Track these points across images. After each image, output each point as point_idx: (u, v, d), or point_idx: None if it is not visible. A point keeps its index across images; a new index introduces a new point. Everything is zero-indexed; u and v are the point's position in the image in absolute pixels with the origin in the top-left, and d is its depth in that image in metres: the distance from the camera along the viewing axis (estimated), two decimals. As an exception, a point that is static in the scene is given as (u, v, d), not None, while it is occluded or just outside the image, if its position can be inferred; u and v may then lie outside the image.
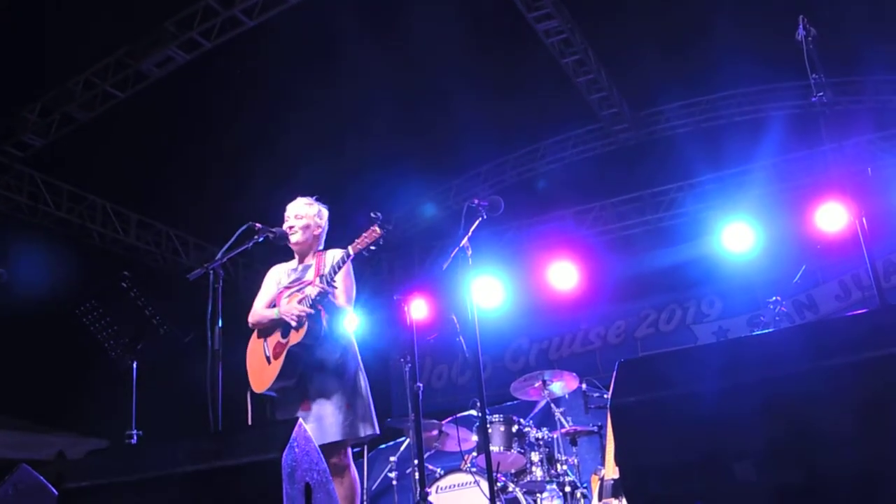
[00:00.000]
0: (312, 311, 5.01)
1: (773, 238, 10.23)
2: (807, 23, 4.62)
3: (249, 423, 5.20)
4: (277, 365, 5.04)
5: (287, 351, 5.02)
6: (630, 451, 3.14)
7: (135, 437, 5.65)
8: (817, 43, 4.59)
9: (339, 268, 5.03)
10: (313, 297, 5.01)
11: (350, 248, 5.00)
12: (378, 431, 5.12)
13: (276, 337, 5.14)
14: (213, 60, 8.88)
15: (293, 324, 5.03)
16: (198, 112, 9.36)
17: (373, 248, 4.96)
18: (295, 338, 5.02)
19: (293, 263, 5.48)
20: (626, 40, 9.58)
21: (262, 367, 5.16)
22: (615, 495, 6.41)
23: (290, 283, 5.35)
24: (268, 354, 5.15)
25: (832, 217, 9.40)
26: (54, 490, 4.23)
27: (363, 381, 5.17)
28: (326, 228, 5.46)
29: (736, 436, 2.96)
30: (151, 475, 3.59)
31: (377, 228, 4.94)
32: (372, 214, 4.95)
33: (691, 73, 10.12)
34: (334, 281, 5.03)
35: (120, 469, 3.70)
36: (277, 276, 5.49)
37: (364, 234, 4.97)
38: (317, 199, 5.47)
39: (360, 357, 5.26)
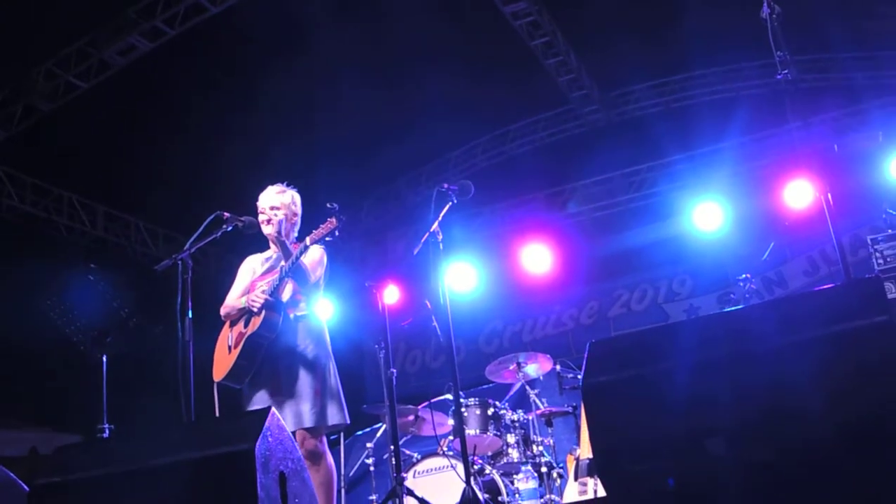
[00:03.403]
0: (271, 299, 4.99)
1: (742, 216, 10.30)
2: (771, 0, 4.64)
3: (216, 413, 5.17)
4: (235, 353, 5.03)
5: (245, 340, 5.01)
6: (602, 430, 3.15)
7: (106, 431, 5.61)
8: (782, 21, 4.61)
9: (298, 259, 5.02)
10: (273, 284, 5.02)
11: (307, 238, 5.01)
12: (348, 421, 5.12)
13: (240, 326, 5.13)
14: (177, 48, 8.77)
15: (254, 310, 5.02)
16: (163, 101, 9.25)
17: (328, 238, 4.97)
18: (253, 327, 5.01)
19: (268, 253, 5.46)
20: (594, 22, 9.58)
21: (223, 356, 5.15)
22: (590, 474, 6.47)
23: (265, 272, 5.33)
24: (230, 344, 5.14)
25: (799, 194, 9.48)
26: (24, 486, 4.18)
27: (333, 370, 5.16)
28: (301, 214, 5.43)
29: (707, 412, 2.98)
30: (123, 469, 3.55)
31: (333, 219, 4.94)
32: (328, 205, 4.96)
33: (660, 53, 10.14)
34: (294, 271, 5.03)
35: (91, 463, 3.66)
36: (252, 266, 5.47)
37: (321, 226, 4.98)
38: (288, 185, 5.43)
39: (330, 345, 5.25)
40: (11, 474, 4.37)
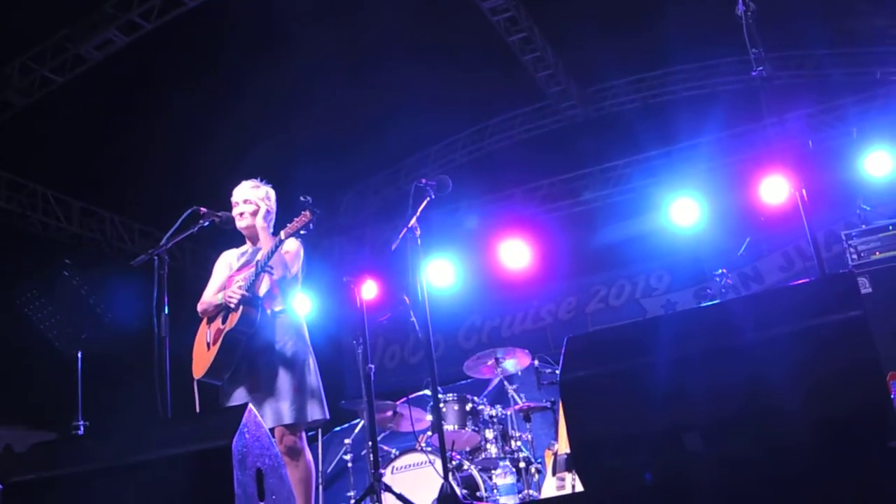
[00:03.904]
0: (247, 294, 4.98)
1: (719, 212, 10.37)
2: (746, -3, 4.66)
3: (197, 410, 5.15)
4: (214, 350, 5.01)
5: (223, 336, 4.99)
6: (580, 424, 3.16)
7: (82, 428, 5.58)
8: (757, 17, 4.63)
9: (273, 253, 5.01)
10: (249, 279, 5.00)
11: (282, 232, 5.01)
12: (328, 416, 5.11)
13: (217, 323, 5.11)
14: (153, 42, 8.71)
15: (231, 305, 5.00)
16: (140, 96, 9.18)
17: (303, 231, 4.96)
18: (231, 323, 4.99)
19: (244, 248, 5.44)
20: (572, 18, 9.58)
21: (202, 353, 5.13)
22: (569, 469, 6.49)
23: (241, 267, 5.31)
24: (209, 340, 5.12)
25: (775, 190, 9.55)
26: None
27: (313, 365, 5.15)
28: (275, 209, 5.42)
29: (684, 408, 3.00)
30: (99, 466, 3.54)
31: (307, 212, 4.94)
32: (301, 198, 4.96)
33: (637, 49, 10.17)
34: (270, 266, 5.02)
35: (66, 461, 3.64)
36: (228, 261, 5.45)
37: (295, 219, 4.97)
38: (263, 181, 5.42)
39: (309, 340, 5.23)
40: (-15, 472, 4.32)
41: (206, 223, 5.15)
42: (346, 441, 7.86)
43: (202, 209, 5.13)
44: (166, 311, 4.72)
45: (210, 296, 5.27)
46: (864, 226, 7.02)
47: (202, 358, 5.12)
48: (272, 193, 5.43)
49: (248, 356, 5.03)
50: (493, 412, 7.23)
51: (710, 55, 10.65)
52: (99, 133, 9.36)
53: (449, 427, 6.95)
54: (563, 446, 6.65)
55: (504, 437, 7.17)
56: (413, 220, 5.28)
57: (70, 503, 3.51)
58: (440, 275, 10.94)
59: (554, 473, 6.62)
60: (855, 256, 6.81)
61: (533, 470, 6.97)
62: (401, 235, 5.28)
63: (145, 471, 3.44)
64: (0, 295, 7.04)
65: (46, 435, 9.43)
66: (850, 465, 2.76)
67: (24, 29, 8.45)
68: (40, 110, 9.13)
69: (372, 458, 5.46)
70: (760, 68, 4.57)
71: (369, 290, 10.16)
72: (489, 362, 7.49)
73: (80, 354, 5.59)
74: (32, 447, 3.94)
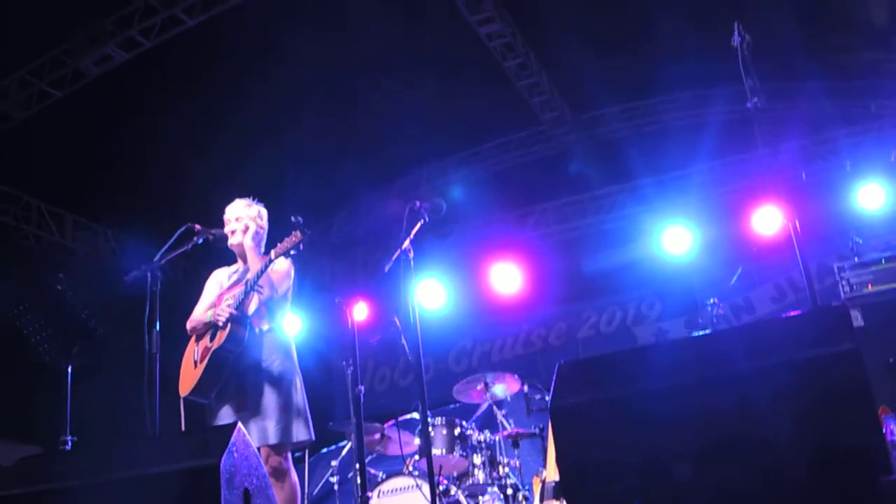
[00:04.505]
0: (236, 312, 4.97)
1: (711, 241, 10.39)
2: (742, 29, 4.71)
3: (182, 428, 5.13)
4: (201, 368, 5.00)
5: (211, 354, 4.98)
6: (569, 452, 3.16)
7: (69, 444, 5.54)
8: (752, 49, 4.67)
9: (262, 272, 5.01)
10: (238, 297, 5.00)
11: (272, 252, 5.01)
12: (314, 437, 5.09)
13: (206, 341, 5.10)
14: (152, 59, 8.74)
15: (220, 323, 4.99)
16: (136, 111, 9.19)
17: (293, 252, 4.97)
18: (219, 340, 4.98)
19: (235, 266, 5.44)
20: (567, 45, 9.64)
21: (189, 371, 5.11)
22: (556, 497, 6.45)
23: (232, 285, 5.31)
24: (196, 358, 5.11)
25: (768, 220, 9.57)
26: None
27: (300, 385, 5.14)
28: (267, 229, 5.43)
29: (674, 436, 3.00)
30: (86, 482, 3.51)
31: (298, 233, 4.95)
32: (293, 218, 4.97)
33: (631, 77, 10.23)
34: (259, 285, 5.02)
35: (53, 476, 3.61)
36: (219, 280, 5.45)
37: (286, 239, 4.98)
38: (255, 200, 5.43)
39: (297, 360, 5.22)
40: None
41: (200, 240, 5.15)
42: (333, 463, 7.82)
43: (196, 226, 5.14)
44: (158, 328, 4.71)
45: (199, 313, 5.26)
46: (856, 258, 7.05)
47: (189, 376, 5.10)
48: (264, 212, 5.44)
49: (236, 375, 5.02)
50: (482, 437, 7.20)
51: (703, 84, 10.71)
52: (95, 148, 9.36)
53: (437, 451, 6.91)
54: (551, 474, 6.62)
55: (492, 463, 7.14)
56: (406, 243, 5.29)
57: (56, 519, 3.49)
58: (431, 297, 10.93)
59: (542, 501, 6.59)
60: (847, 289, 6.83)
61: (521, 497, 6.94)
62: (394, 257, 5.29)
63: (133, 487, 3.42)
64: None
65: (33, 449, 9.36)
66: (840, 497, 2.76)
67: (23, 43, 8.47)
68: (38, 124, 9.14)
69: (359, 481, 5.43)
70: (755, 99, 4.61)
71: (360, 311, 10.15)
72: (478, 387, 7.47)
73: (70, 368, 5.57)
74: (19, 462, 3.91)
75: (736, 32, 4.70)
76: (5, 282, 8.50)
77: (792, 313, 3.46)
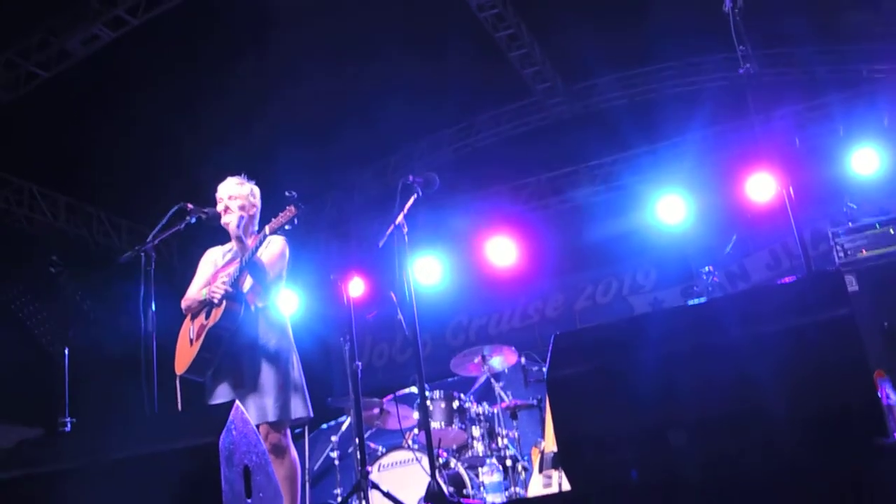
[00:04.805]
0: (231, 290, 4.96)
1: (705, 209, 10.39)
2: (733, -6, 4.67)
3: (179, 407, 5.13)
4: (197, 346, 5.00)
5: (206, 332, 4.98)
6: (566, 422, 3.16)
7: (68, 425, 5.56)
8: (744, 14, 4.64)
9: (258, 248, 5.00)
10: (233, 275, 4.99)
11: (266, 227, 4.99)
12: (311, 413, 5.10)
13: (201, 319, 5.09)
14: (139, 37, 8.67)
15: (215, 301, 4.99)
16: (126, 90, 9.14)
17: (288, 227, 4.96)
18: (214, 318, 4.98)
19: (229, 245, 5.42)
20: (558, 14, 9.59)
21: (185, 349, 5.11)
22: (555, 467, 6.50)
23: (226, 263, 5.30)
24: (192, 336, 5.10)
25: (762, 187, 9.58)
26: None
27: (296, 363, 5.14)
28: (260, 207, 5.41)
29: (670, 405, 3.00)
30: (85, 462, 3.52)
31: (292, 207, 4.93)
32: (287, 193, 4.95)
33: (624, 46, 10.17)
34: (254, 262, 5.01)
35: (53, 457, 3.62)
36: (213, 258, 5.44)
37: (280, 214, 4.96)
38: (247, 178, 5.41)
39: (292, 337, 5.23)
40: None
41: (193, 219, 5.13)
42: (333, 438, 7.85)
43: (189, 205, 5.12)
44: (153, 308, 4.71)
45: (194, 292, 5.26)
46: (850, 224, 7.04)
47: (185, 354, 5.11)
48: (257, 191, 5.42)
49: (232, 353, 5.01)
50: (480, 410, 7.24)
51: (696, 52, 10.67)
52: (85, 128, 9.32)
53: (436, 425, 6.95)
54: (549, 444, 6.66)
55: (491, 435, 7.18)
56: (400, 217, 5.28)
57: (56, 500, 3.49)
58: (427, 272, 10.93)
59: (541, 471, 6.64)
60: (842, 254, 6.83)
61: (520, 468, 6.98)
62: (388, 232, 5.28)
63: (132, 467, 3.43)
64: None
65: (33, 431, 9.39)
66: (836, 462, 2.77)
67: (9, 24, 8.40)
68: (26, 105, 9.08)
69: (359, 456, 5.45)
70: (747, 65, 4.58)
71: (356, 287, 10.15)
72: (476, 360, 7.50)
73: (66, 351, 5.57)
74: (19, 444, 3.92)
75: (727, -2, 4.67)
76: (-1, 266, 8.51)
77: (786, 280, 3.45)
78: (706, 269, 7.84)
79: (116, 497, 3.42)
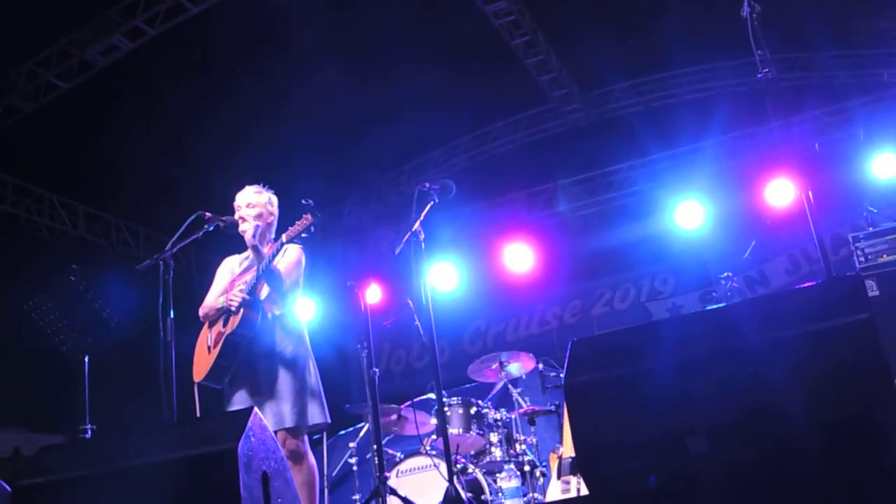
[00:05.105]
0: (248, 297, 4.98)
1: (724, 215, 10.35)
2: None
3: (197, 414, 5.15)
4: (215, 353, 5.02)
5: (224, 339, 5.00)
6: (584, 428, 3.15)
7: (89, 432, 5.59)
8: (762, 19, 4.63)
9: (274, 257, 5.02)
10: (250, 283, 5.01)
11: (283, 236, 5.02)
12: (328, 420, 5.11)
13: (219, 326, 5.12)
14: (159, 47, 8.74)
15: (232, 309, 5.01)
16: (145, 100, 9.21)
17: (304, 235, 4.98)
18: (231, 326, 5.00)
19: (247, 253, 5.45)
20: (574, 21, 9.59)
21: (203, 357, 5.14)
22: (574, 472, 6.48)
23: (243, 271, 5.32)
24: (209, 344, 5.13)
25: (781, 192, 9.53)
26: (7, 487, 4.16)
27: (313, 369, 5.16)
28: (277, 215, 5.43)
29: (689, 411, 2.99)
30: (106, 469, 3.54)
31: (309, 216, 4.95)
32: (303, 201, 4.97)
33: (640, 52, 10.16)
34: (271, 269, 5.03)
35: (74, 464, 3.64)
36: (230, 267, 5.47)
37: (297, 222, 4.98)
38: (265, 187, 5.44)
39: (309, 344, 5.24)
40: (-7, 476, 4.34)
41: (211, 228, 5.16)
42: (351, 444, 7.86)
43: (207, 214, 5.14)
44: (171, 316, 4.73)
45: (211, 300, 5.28)
46: (871, 228, 7.00)
47: (203, 361, 5.13)
48: (275, 200, 5.44)
49: (249, 360, 5.03)
50: (498, 416, 7.23)
51: (713, 57, 10.64)
52: (104, 137, 9.38)
53: (453, 430, 6.94)
54: (567, 450, 6.64)
55: (509, 441, 7.16)
56: (417, 224, 5.28)
57: (77, 506, 3.52)
58: (444, 279, 10.94)
59: (559, 477, 6.62)
60: (862, 259, 6.79)
61: (538, 473, 6.97)
62: (405, 239, 5.28)
63: (152, 474, 3.44)
64: (7, 299, 7.06)
65: (54, 438, 9.46)
66: (857, 468, 2.75)
67: (29, 35, 8.48)
68: (46, 115, 9.16)
69: (377, 462, 5.46)
70: (766, 70, 4.57)
71: (373, 294, 10.17)
72: (493, 366, 7.49)
73: (86, 359, 5.61)
74: (40, 451, 3.95)
75: (746, 3, 4.66)
76: (19, 274, 8.58)
77: (806, 284, 3.43)
78: (725, 274, 7.81)
79: (136, 503, 3.44)
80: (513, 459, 6.99)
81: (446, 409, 6.94)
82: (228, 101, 9.32)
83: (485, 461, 7.01)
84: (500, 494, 6.68)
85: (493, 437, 7.11)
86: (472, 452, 7.20)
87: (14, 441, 9.99)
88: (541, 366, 7.57)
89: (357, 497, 7.52)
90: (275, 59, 9.05)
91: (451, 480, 4.93)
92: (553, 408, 7.34)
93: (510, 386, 7.54)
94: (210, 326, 5.21)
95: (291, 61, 9.09)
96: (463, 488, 6.18)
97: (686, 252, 10.63)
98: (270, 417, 4.83)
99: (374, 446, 5.52)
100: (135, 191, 10.19)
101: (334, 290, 10.11)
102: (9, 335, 7.63)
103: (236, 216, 5.30)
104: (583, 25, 9.54)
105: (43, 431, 9.92)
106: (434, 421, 7.27)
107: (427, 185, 5.39)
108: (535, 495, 6.75)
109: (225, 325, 5.06)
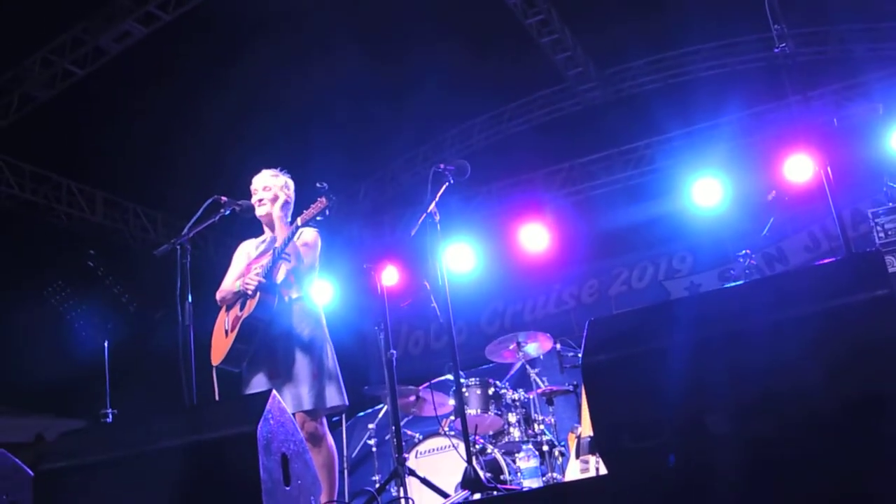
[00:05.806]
0: (264, 281, 5.00)
1: (742, 192, 10.26)
2: (768, -27, 4.61)
3: (216, 397, 5.18)
4: (232, 337, 5.04)
5: (241, 323, 5.02)
6: (602, 408, 3.15)
7: (110, 416, 5.63)
8: (779, -7, 4.58)
9: (290, 240, 5.03)
10: (266, 266, 5.02)
11: (298, 219, 5.04)
12: (346, 402, 5.12)
13: (236, 310, 5.13)
14: (173, 33, 8.74)
15: (248, 292, 5.02)
16: (160, 86, 9.22)
17: (319, 218, 4.99)
18: (248, 309, 5.02)
19: (263, 236, 5.47)
20: (589, -1, 9.55)
21: (220, 340, 5.16)
22: (592, 452, 6.48)
23: (259, 255, 5.33)
24: (227, 328, 5.15)
25: (799, 169, 9.44)
26: (30, 471, 4.21)
27: (330, 352, 5.17)
28: (294, 199, 5.43)
29: (707, 389, 2.98)
30: (127, 453, 3.57)
31: (323, 199, 4.96)
32: (318, 185, 4.97)
33: (657, 29, 10.09)
34: (287, 253, 5.04)
35: (95, 448, 3.68)
36: (247, 251, 5.48)
37: (311, 206, 4.99)
38: (282, 170, 5.44)
39: (326, 327, 5.25)
40: (17, 460, 4.39)
41: (227, 212, 5.17)
42: (371, 426, 7.89)
43: (223, 198, 5.15)
44: (189, 300, 4.75)
45: (228, 284, 5.30)
46: (891, 203, 6.94)
47: (220, 345, 5.15)
48: (291, 183, 5.44)
49: (266, 343, 5.05)
50: (516, 396, 7.23)
51: (730, 33, 10.55)
52: (120, 123, 9.42)
53: (471, 411, 6.95)
54: (586, 429, 6.64)
55: (527, 421, 7.16)
56: (432, 206, 5.26)
57: (100, 489, 3.55)
58: (460, 260, 10.92)
59: (578, 456, 6.62)
60: (882, 235, 6.74)
61: (556, 453, 6.97)
62: (420, 221, 5.27)
63: (172, 457, 3.47)
64: (28, 286, 7.11)
65: (76, 423, 9.56)
66: (876, 445, 2.74)
67: (44, 22, 8.50)
68: (63, 103, 9.20)
69: (396, 443, 5.48)
70: (783, 45, 4.52)
71: (390, 276, 10.17)
72: (511, 346, 7.48)
73: (106, 344, 5.65)
74: (62, 435, 3.98)
75: (762, -23, 4.60)
76: (40, 261, 8.64)
77: (826, 261, 3.40)
78: (743, 252, 7.74)
79: (157, 486, 3.47)
80: (531, 439, 6.99)
81: (464, 389, 6.95)
82: (244, 84, 9.32)
83: (503, 441, 7.02)
84: (518, 474, 6.69)
85: (512, 418, 7.11)
86: (491, 433, 7.21)
87: (37, 427, 10.11)
88: (558, 346, 7.55)
89: (376, 478, 7.55)
90: (290, 42, 9.03)
91: (469, 461, 4.94)
92: (571, 387, 7.32)
93: (528, 366, 7.53)
94: (227, 310, 5.23)
95: (306, 44, 9.07)
96: (482, 468, 6.20)
97: (704, 230, 10.56)
98: (289, 400, 4.85)
99: (393, 427, 5.54)
100: (152, 176, 10.23)
101: (351, 273, 10.12)
102: (29, 321, 7.69)
103: (253, 199, 5.31)
104: (597, 3, 9.48)
105: (65, 416, 10.03)
106: (452, 402, 7.28)
107: (442, 166, 5.36)
108: (554, 475, 6.76)
109: (242, 308, 5.08)
